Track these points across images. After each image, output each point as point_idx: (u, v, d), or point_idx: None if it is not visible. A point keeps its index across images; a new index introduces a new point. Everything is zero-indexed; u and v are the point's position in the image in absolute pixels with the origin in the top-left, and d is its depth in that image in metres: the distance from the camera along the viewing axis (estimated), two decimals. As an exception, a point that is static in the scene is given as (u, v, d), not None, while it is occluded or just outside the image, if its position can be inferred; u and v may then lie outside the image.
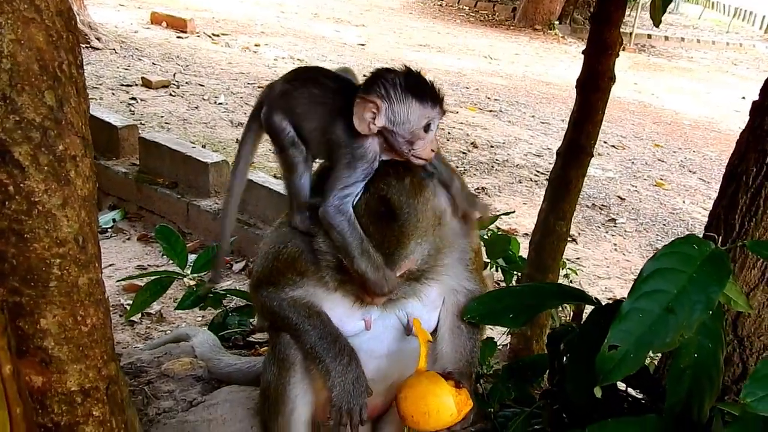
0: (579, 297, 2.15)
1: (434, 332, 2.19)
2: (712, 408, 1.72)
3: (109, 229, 5.61)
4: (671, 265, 1.65)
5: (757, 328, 2.29)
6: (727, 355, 2.27)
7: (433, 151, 1.94)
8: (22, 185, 1.39)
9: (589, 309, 2.04)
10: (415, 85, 1.89)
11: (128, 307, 3.67)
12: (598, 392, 1.62)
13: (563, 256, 3.53)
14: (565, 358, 2.14)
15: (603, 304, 2.02)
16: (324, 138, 1.96)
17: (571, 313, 3.91)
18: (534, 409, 2.20)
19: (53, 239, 1.44)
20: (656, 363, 2.68)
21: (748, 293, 2.25)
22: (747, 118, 2.35)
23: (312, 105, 1.98)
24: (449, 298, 2.18)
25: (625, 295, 1.67)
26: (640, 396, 2.13)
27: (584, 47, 3.19)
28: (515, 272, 3.67)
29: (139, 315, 4.43)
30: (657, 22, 3.28)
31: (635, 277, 1.67)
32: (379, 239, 1.90)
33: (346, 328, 2.10)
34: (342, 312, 2.10)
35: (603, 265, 6.14)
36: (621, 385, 2.06)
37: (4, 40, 1.34)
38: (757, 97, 2.32)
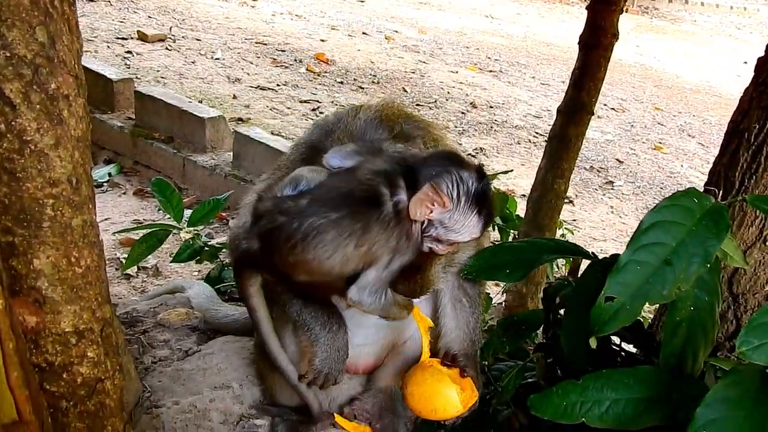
0: (575, 251, 2.15)
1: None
2: (705, 362, 1.73)
3: (105, 183, 5.58)
4: (671, 217, 1.64)
5: (753, 285, 2.29)
6: (722, 311, 2.27)
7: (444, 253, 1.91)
8: (13, 123, 1.37)
9: (585, 266, 2.03)
10: (482, 198, 1.82)
11: (124, 261, 3.68)
12: (593, 343, 1.62)
13: (560, 217, 3.53)
14: (560, 312, 2.15)
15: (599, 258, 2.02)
16: None
17: (567, 272, 3.92)
18: (528, 363, 2.21)
19: (46, 179, 1.42)
20: (650, 319, 2.69)
21: (745, 251, 2.25)
22: (748, 83, 2.32)
23: (342, 237, 1.75)
24: (449, 270, 2.15)
25: (622, 255, 1.66)
26: (633, 350, 2.14)
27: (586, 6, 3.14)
28: (512, 231, 3.66)
29: (135, 268, 4.45)
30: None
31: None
32: (410, 290, 1.96)
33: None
34: None
35: (599, 227, 6.15)
36: (615, 339, 2.07)
37: (-7, -27, 1.30)
38: (759, 59, 2.28)
